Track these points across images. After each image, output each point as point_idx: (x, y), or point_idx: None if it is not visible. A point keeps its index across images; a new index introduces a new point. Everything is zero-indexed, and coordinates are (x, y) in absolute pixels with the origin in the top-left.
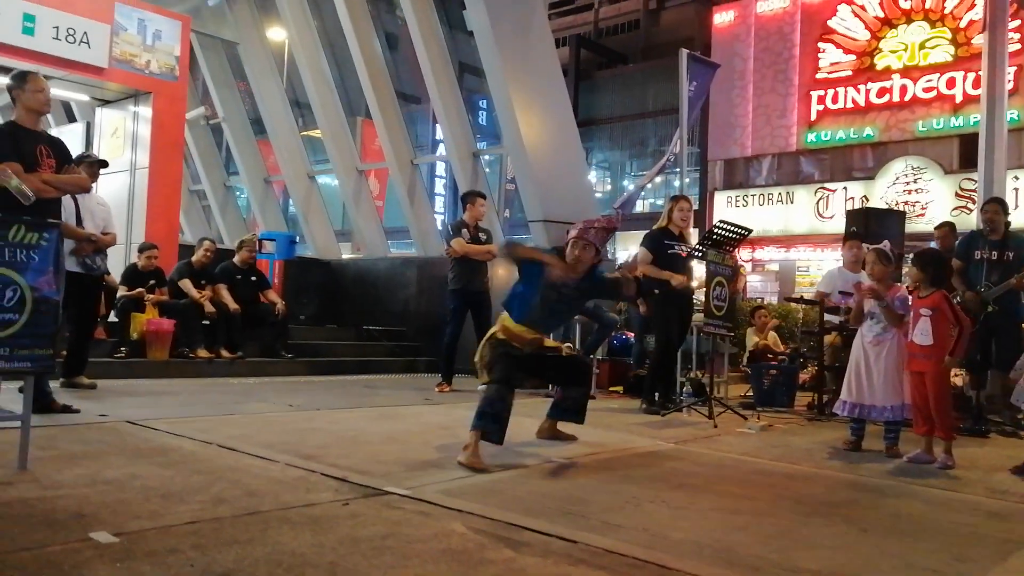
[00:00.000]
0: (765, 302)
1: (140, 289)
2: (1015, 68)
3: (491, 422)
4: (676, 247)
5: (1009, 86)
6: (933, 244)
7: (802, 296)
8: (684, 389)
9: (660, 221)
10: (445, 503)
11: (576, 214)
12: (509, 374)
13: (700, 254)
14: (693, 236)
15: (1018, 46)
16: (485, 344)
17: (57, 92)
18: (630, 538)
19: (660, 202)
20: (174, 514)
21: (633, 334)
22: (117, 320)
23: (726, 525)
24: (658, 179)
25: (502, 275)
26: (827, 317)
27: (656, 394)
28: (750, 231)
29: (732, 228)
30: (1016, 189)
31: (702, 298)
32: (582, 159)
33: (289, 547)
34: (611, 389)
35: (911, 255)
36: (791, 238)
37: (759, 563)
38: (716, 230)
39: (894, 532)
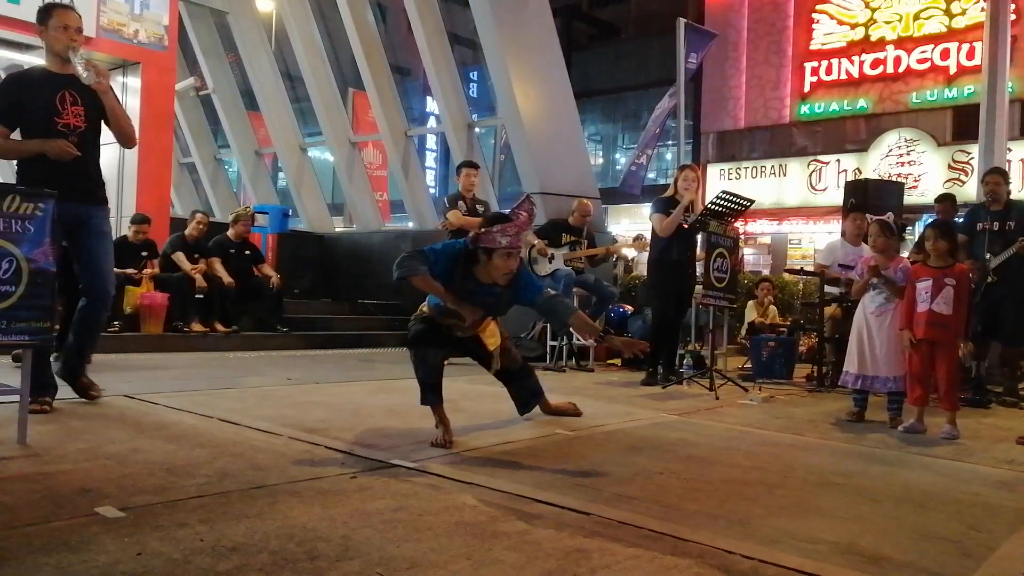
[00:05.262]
0: (764, 274)
1: (132, 269)
2: (1011, 39)
3: (428, 392)
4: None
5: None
6: (934, 216)
7: (802, 268)
8: (684, 361)
9: (669, 190)
10: (454, 476)
11: (574, 186)
12: (418, 337)
13: (700, 224)
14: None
15: (1014, 16)
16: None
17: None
18: (644, 510)
19: (652, 175)
20: (180, 488)
21: (632, 307)
22: None
23: (738, 496)
24: (649, 152)
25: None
26: (827, 289)
27: (657, 367)
28: (752, 202)
29: (733, 199)
30: (1009, 161)
31: (701, 270)
32: (579, 130)
33: (299, 521)
34: (608, 362)
35: (919, 226)
36: (784, 211)
37: (776, 535)
38: (717, 201)
39: (906, 502)
